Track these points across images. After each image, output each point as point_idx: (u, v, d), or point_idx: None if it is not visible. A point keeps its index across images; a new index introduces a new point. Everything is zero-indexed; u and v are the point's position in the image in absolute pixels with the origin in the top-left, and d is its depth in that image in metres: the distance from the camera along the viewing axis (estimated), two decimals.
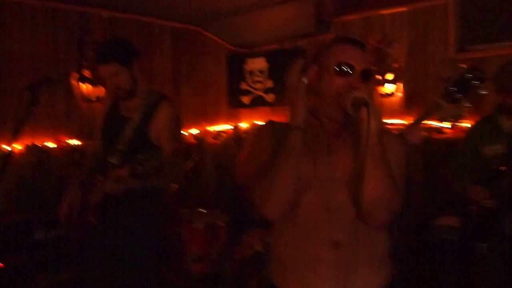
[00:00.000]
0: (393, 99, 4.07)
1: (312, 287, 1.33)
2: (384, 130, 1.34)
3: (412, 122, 2.10)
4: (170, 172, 2.27)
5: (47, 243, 3.14)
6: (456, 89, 1.97)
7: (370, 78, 1.33)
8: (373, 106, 1.23)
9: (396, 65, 4.01)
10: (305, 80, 1.29)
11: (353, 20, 4.28)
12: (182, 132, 2.39)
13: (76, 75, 3.76)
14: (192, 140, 4.61)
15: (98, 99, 3.76)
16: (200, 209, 4.03)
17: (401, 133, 2.10)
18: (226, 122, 5.12)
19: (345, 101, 1.27)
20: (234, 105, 5.12)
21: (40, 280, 3.11)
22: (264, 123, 1.52)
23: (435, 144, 3.80)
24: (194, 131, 4.76)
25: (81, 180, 2.41)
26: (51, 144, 3.67)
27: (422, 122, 2.10)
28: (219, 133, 4.99)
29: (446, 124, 3.51)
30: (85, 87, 3.80)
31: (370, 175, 1.24)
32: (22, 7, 3.55)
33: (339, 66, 1.31)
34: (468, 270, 2.91)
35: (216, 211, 4.02)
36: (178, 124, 2.35)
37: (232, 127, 5.09)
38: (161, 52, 4.49)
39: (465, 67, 1.98)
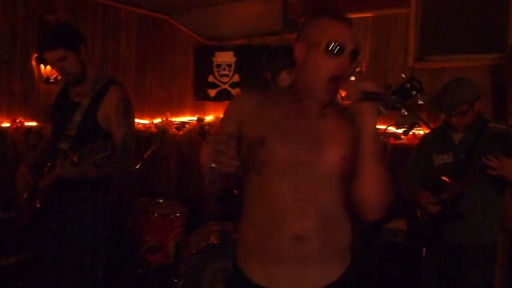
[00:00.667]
0: None
1: (273, 276, 1.35)
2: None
3: None
4: (120, 158, 2.24)
5: None
6: (394, 97, 2.07)
7: (357, 57, 1.33)
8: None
9: (358, 69, 4.12)
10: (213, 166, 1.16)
11: None
12: (132, 117, 2.34)
13: (35, 55, 3.66)
14: (154, 129, 4.57)
15: (56, 80, 3.67)
16: (158, 200, 4.03)
17: None
18: (190, 114, 5.11)
19: (351, 90, 1.24)
20: (200, 98, 5.11)
21: None
22: (239, 94, 1.51)
23: (392, 150, 3.93)
24: (157, 120, 4.72)
25: (31, 163, 2.38)
26: (5, 124, 3.56)
27: None
28: (183, 124, 4.98)
29: (401, 131, 3.63)
30: (43, 68, 3.71)
31: (369, 170, 1.24)
32: None
33: (330, 45, 1.27)
34: (411, 273, 3.06)
35: (174, 202, 4.02)
36: (127, 109, 2.30)
37: (196, 119, 5.09)
38: (127, 39, 4.41)
39: (404, 76, 2.09)
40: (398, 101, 2.08)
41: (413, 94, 2.08)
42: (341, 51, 1.28)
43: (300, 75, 1.37)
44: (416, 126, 3.68)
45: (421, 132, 3.62)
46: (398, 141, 3.91)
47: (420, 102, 2.15)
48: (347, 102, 1.32)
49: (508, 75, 3.27)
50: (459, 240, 2.46)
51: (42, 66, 3.70)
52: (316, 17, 1.35)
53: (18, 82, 3.63)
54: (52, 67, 2.33)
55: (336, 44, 1.27)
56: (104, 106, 2.26)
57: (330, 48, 1.27)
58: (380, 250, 3.35)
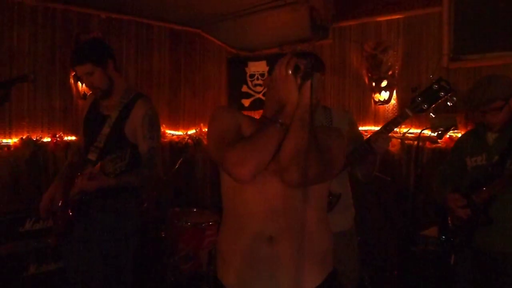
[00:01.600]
0: (387, 106, 4.08)
1: (248, 282, 1.36)
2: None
3: (379, 129, 2.11)
4: (144, 170, 2.31)
5: (35, 234, 3.24)
6: (421, 99, 2.00)
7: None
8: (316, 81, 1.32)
9: (390, 72, 4.02)
10: (290, 71, 1.34)
11: (350, 25, 4.30)
12: (158, 131, 2.41)
13: (73, 73, 3.87)
14: (189, 140, 4.68)
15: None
16: (192, 209, 4.10)
17: (368, 140, 2.12)
18: None
19: (290, 63, 1.33)
20: (234, 108, 5.18)
21: (28, 269, 3.21)
22: (218, 109, 1.58)
23: (428, 154, 3.79)
24: (192, 131, 4.83)
25: (66, 175, 2.50)
26: (46, 139, 3.77)
27: (390, 130, 2.11)
28: None
29: (435, 134, 3.48)
30: (80, 85, 3.91)
31: (294, 133, 1.31)
32: (22, 7, 3.67)
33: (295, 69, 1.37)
34: (444, 281, 2.91)
35: (206, 211, 4.07)
36: (153, 122, 2.37)
37: None
38: (160, 54, 4.57)
39: (432, 77, 2.02)
40: (426, 103, 2.02)
41: (441, 95, 2.02)
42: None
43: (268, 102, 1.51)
44: (453, 128, 3.53)
45: (458, 135, 3.46)
46: (434, 145, 3.76)
47: (450, 103, 2.08)
48: None
49: None
50: (490, 248, 2.30)
51: (79, 83, 3.91)
52: None
53: (58, 99, 3.86)
54: (82, 81, 2.45)
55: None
56: (131, 119, 2.35)
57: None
58: (413, 258, 3.23)
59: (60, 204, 2.44)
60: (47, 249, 3.24)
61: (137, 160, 2.32)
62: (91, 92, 2.50)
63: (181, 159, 3.62)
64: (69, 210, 2.39)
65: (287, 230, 1.33)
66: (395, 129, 2.15)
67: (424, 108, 1.99)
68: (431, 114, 2.05)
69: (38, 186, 3.62)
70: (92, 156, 2.35)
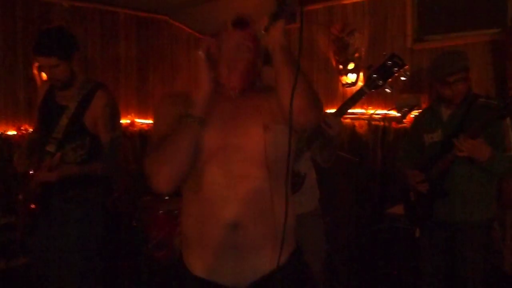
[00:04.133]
0: (355, 88, 4.13)
1: (212, 266, 1.34)
2: None
3: (336, 109, 2.13)
4: (107, 160, 2.30)
5: (2, 229, 3.20)
6: (376, 76, 2.03)
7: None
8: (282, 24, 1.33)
9: (357, 55, 4.06)
10: (201, 53, 1.30)
11: (317, 9, 4.32)
12: (119, 121, 2.41)
13: (36, 64, 3.78)
14: None
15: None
16: (162, 196, 4.09)
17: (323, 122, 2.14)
18: None
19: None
20: None
21: None
22: (161, 98, 1.55)
23: (394, 134, 3.87)
24: None
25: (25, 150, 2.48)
26: (11, 132, 3.71)
27: (348, 108, 2.14)
28: None
29: (400, 113, 3.56)
30: (45, 76, 3.82)
31: (284, 77, 1.29)
32: None
33: (235, 19, 1.37)
34: (411, 254, 3.01)
35: (178, 198, 4.07)
36: (114, 112, 2.37)
37: None
38: (126, 42, 4.49)
39: (385, 54, 2.05)
40: (380, 79, 2.05)
41: (395, 70, 2.06)
42: (247, 23, 1.40)
43: (219, 66, 1.42)
44: (416, 107, 3.61)
45: None
46: (400, 125, 3.84)
47: (403, 78, 2.12)
48: None
49: (508, 50, 3.16)
50: (450, 218, 2.40)
51: (43, 73, 3.82)
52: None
53: (22, 90, 3.78)
54: (42, 70, 2.40)
55: (240, 17, 1.41)
56: (91, 110, 2.33)
57: (236, 23, 1.39)
58: (381, 235, 3.32)
59: (21, 197, 2.42)
60: (14, 243, 3.20)
61: (99, 150, 2.31)
62: (46, 80, 2.46)
63: None
64: (32, 203, 2.37)
65: (252, 216, 1.31)
66: (361, 111, 2.16)
67: (380, 84, 2.02)
68: (386, 89, 2.08)
69: (4, 180, 3.55)
70: (50, 148, 2.31)
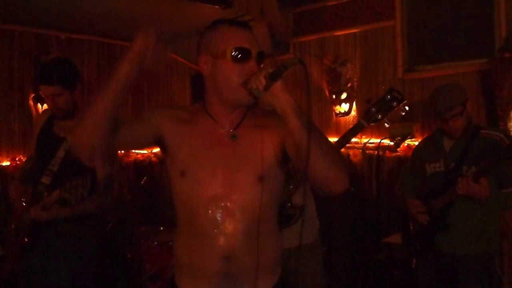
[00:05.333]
0: (348, 117, 4.18)
1: None
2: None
3: (335, 143, 2.15)
4: (100, 197, 2.29)
5: None
6: (375, 110, 2.07)
7: (264, 60, 1.33)
8: (284, 79, 1.21)
9: (349, 85, 4.14)
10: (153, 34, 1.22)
11: (310, 41, 4.41)
12: (117, 155, 2.41)
13: (32, 95, 3.81)
14: (153, 159, 4.65)
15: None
16: (159, 227, 4.05)
17: None
18: None
19: (258, 79, 1.21)
20: None
21: None
22: (156, 106, 1.54)
23: (389, 162, 3.90)
24: (157, 149, 4.80)
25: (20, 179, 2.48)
26: (5, 163, 3.69)
27: (348, 141, 2.16)
28: None
29: (393, 142, 3.59)
30: (40, 107, 3.85)
31: (311, 143, 1.16)
32: None
33: (236, 51, 1.28)
34: (408, 285, 2.98)
35: (173, 228, 4.03)
36: None
37: None
38: None
39: (384, 88, 2.09)
40: (380, 113, 2.08)
41: (394, 105, 2.09)
42: (247, 56, 1.29)
43: (211, 87, 1.38)
44: (409, 136, 3.66)
45: (415, 143, 3.58)
46: (394, 154, 3.87)
47: (403, 113, 2.15)
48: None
49: (496, 78, 3.23)
50: (451, 250, 2.39)
51: (39, 105, 3.85)
52: (213, 28, 1.36)
53: (16, 121, 3.79)
54: (45, 100, 2.41)
55: (242, 50, 1.28)
56: None
57: (236, 55, 1.28)
58: (379, 265, 3.29)
59: (12, 226, 2.39)
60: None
61: (92, 185, 2.28)
62: (46, 108, 2.46)
63: (145, 177, 3.60)
64: (24, 236, 2.33)
65: (243, 248, 1.35)
66: (355, 140, 2.19)
67: (379, 118, 2.05)
68: (385, 124, 2.11)
69: None
70: (45, 180, 2.30)
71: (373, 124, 2.09)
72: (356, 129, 2.12)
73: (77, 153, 1.26)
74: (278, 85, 1.20)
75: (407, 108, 2.11)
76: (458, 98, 2.37)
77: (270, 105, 1.25)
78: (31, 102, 3.84)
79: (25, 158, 3.74)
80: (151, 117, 1.40)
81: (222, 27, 1.34)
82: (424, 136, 3.16)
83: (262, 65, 1.32)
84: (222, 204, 1.35)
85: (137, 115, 1.45)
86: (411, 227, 2.61)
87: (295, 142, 1.23)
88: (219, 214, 1.34)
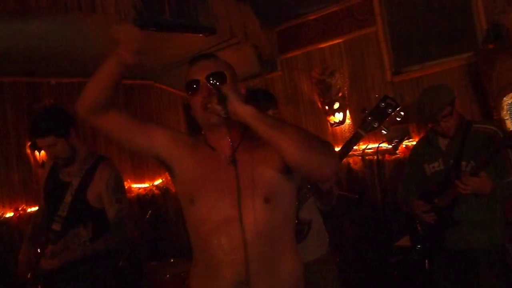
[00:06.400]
0: (343, 126, 4.21)
1: None
2: None
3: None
4: (114, 235, 2.28)
5: None
6: (371, 118, 2.09)
7: (223, 78, 1.38)
8: (233, 94, 1.29)
9: (340, 94, 4.17)
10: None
11: (296, 56, 4.46)
12: (123, 193, 2.38)
13: (28, 143, 3.83)
14: (156, 191, 4.64)
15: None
16: (170, 260, 4.02)
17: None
18: None
19: (213, 108, 1.30)
20: None
21: None
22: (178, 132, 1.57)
23: (389, 166, 3.91)
24: (158, 181, 4.81)
25: (32, 239, 2.46)
26: (9, 214, 3.67)
27: (348, 152, 2.18)
28: None
29: (391, 145, 3.61)
30: (38, 154, 3.86)
31: (283, 141, 1.23)
32: None
33: (187, 86, 1.40)
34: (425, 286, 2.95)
35: (184, 259, 4.01)
36: (118, 185, 2.35)
37: None
38: None
39: (378, 96, 2.12)
40: (376, 121, 2.09)
41: (389, 112, 2.12)
42: (196, 86, 1.38)
43: (200, 125, 1.47)
44: (406, 138, 3.68)
45: (414, 143, 3.59)
46: (394, 156, 3.88)
47: (398, 119, 2.18)
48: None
49: (482, 70, 3.27)
50: (461, 246, 2.39)
51: (36, 152, 3.86)
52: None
53: (16, 171, 3.80)
54: (44, 150, 2.43)
55: (189, 82, 1.39)
56: (94, 184, 2.32)
57: (188, 89, 1.40)
58: (393, 270, 3.26)
59: (29, 276, 2.37)
60: None
61: (103, 225, 2.29)
62: (49, 158, 2.48)
63: (150, 211, 3.59)
64: (40, 285, 2.32)
65: (258, 271, 1.34)
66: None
67: (375, 126, 2.08)
68: (383, 131, 2.14)
69: (5, 265, 3.48)
70: (56, 227, 2.30)
71: (371, 132, 2.12)
72: (355, 139, 2.14)
73: (78, 110, 1.40)
74: (230, 104, 1.28)
75: (402, 113, 2.14)
76: (444, 99, 2.40)
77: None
78: (28, 151, 3.86)
79: (28, 207, 3.77)
80: (162, 131, 1.47)
81: (189, 66, 1.46)
82: (421, 135, 3.18)
83: (213, 87, 1.37)
84: (233, 229, 1.35)
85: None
86: (419, 228, 2.61)
87: (269, 144, 1.28)
88: (231, 240, 1.35)
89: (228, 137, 1.41)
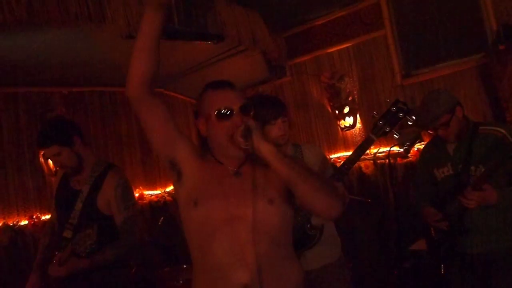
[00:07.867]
0: (354, 130, 4.19)
1: None
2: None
3: (347, 160, 2.15)
4: (122, 242, 2.30)
5: None
6: (383, 123, 2.08)
7: (249, 111, 1.45)
8: (258, 131, 1.36)
9: (350, 98, 4.16)
10: None
11: (305, 61, 4.47)
12: (132, 200, 2.39)
13: (41, 152, 3.87)
14: (168, 198, 4.67)
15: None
16: (182, 266, 4.03)
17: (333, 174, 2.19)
18: None
19: (237, 139, 1.37)
20: None
21: None
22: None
23: (401, 169, 3.87)
24: (170, 188, 4.82)
25: (44, 259, 2.46)
26: (23, 222, 3.72)
27: (358, 158, 2.17)
28: None
29: (402, 149, 3.58)
30: (51, 162, 3.91)
31: (297, 181, 1.34)
32: None
33: (220, 113, 1.42)
34: None
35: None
36: (127, 192, 2.38)
37: None
38: (127, 118, 4.63)
39: (389, 101, 2.11)
40: (387, 125, 2.07)
41: (400, 116, 2.10)
42: (230, 113, 1.42)
43: (211, 145, 1.51)
44: (418, 141, 3.64)
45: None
46: (406, 160, 3.85)
47: (410, 122, 2.16)
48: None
49: (494, 72, 3.24)
50: (476, 251, 2.35)
51: (49, 161, 3.90)
52: (203, 93, 1.51)
53: (30, 179, 3.85)
54: (51, 160, 2.46)
55: (223, 109, 1.42)
56: (103, 192, 2.34)
57: (220, 115, 1.42)
58: (407, 274, 3.23)
59: (42, 284, 2.39)
60: None
61: (111, 233, 2.30)
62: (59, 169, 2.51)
63: (162, 218, 3.61)
64: None
65: (261, 274, 1.35)
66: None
67: (387, 130, 2.07)
68: (394, 135, 2.13)
69: (20, 272, 3.51)
70: (67, 234, 2.32)
71: (383, 137, 2.12)
72: (367, 144, 2.13)
73: (129, 91, 1.45)
74: (254, 140, 1.35)
75: (414, 117, 2.12)
76: (441, 108, 2.34)
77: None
78: (41, 159, 3.91)
79: (42, 215, 3.82)
80: (187, 139, 1.53)
81: (209, 91, 1.49)
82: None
83: (244, 120, 1.43)
84: (236, 229, 1.38)
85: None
86: (433, 233, 2.58)
87: (285, 182, 1.38)
88: (234, 240, 1.37)
89: (236, 159, 1.48)
